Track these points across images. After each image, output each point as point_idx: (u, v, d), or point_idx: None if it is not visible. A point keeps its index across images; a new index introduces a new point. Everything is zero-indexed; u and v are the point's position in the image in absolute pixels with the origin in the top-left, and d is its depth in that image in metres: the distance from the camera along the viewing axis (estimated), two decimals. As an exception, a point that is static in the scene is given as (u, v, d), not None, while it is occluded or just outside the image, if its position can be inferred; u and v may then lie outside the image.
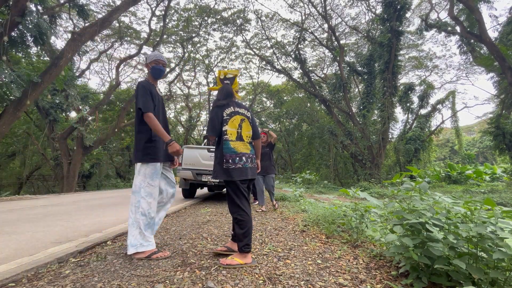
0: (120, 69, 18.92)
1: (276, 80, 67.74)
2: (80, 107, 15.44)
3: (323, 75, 23.07)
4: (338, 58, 17.05)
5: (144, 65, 2.33)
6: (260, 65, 23.08)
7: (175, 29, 18.63)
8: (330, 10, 17.60)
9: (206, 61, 23.74)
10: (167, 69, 18.45)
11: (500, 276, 1.42)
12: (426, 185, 1.90)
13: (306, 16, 18.50)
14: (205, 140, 8.01)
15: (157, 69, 2.30)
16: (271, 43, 19.86)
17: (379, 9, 16.58)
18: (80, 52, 13.43)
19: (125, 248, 2.40)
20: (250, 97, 28.51)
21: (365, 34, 17.61)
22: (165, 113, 2.50)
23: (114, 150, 23.98)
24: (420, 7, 18.83)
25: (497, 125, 12.12)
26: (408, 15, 16.16)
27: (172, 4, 16.10)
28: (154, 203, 2.20)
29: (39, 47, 8.68)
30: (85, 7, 10.84)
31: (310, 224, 3.43)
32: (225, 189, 2.12)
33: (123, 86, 24.66)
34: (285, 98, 28.05)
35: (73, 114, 16.38)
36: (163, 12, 15.43)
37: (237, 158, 2.03)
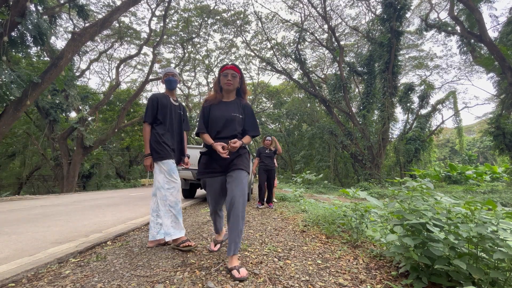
0: (120, 69, 18.94)
1: (276, 81, 67.69)
2: (80, 107, 15.45)
3: (323, 76, 23.04)
4: (338, 58, 17.03)
5: (161, 82, 2.68)
6: (260, 66, 23.09)
7: (175, 30, 18.63)
8: (330, 11, 17.58)
9: (206, 62, 23.74)
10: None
11: (501, 277, 1.42)
12: (432, 185, 1.90)
13: (306, 17, 18.49)
14: None
15: (167, 81, 2.57)
16: (271, 44, 19.85)
17: (379, 9, 16.58)
18: (80, 52, 13.46)
19: (126, 248, 2.41)
20: (250, 97, 28.50)
21: (365, 35, 17.59)
22: (182, 122, 2.65)
23: (114, 150, 24.00)
24: (420, 7, 18.81)
25: (497, 125, 12.12)
26: (408, 15, 16.16)
27: (172, 4, 16.10)
28: (178, 195, 2.46)
29: (39, 47, 8.67)
30: (85, 8, 10.85)
31: (310, 224, 3.43)
32: None
33: (123, 86, 24.70)
34: (284, 98, 28.03)
35: (73, 114, 16.41)
36: (163, 13, 15.44)
37: None
